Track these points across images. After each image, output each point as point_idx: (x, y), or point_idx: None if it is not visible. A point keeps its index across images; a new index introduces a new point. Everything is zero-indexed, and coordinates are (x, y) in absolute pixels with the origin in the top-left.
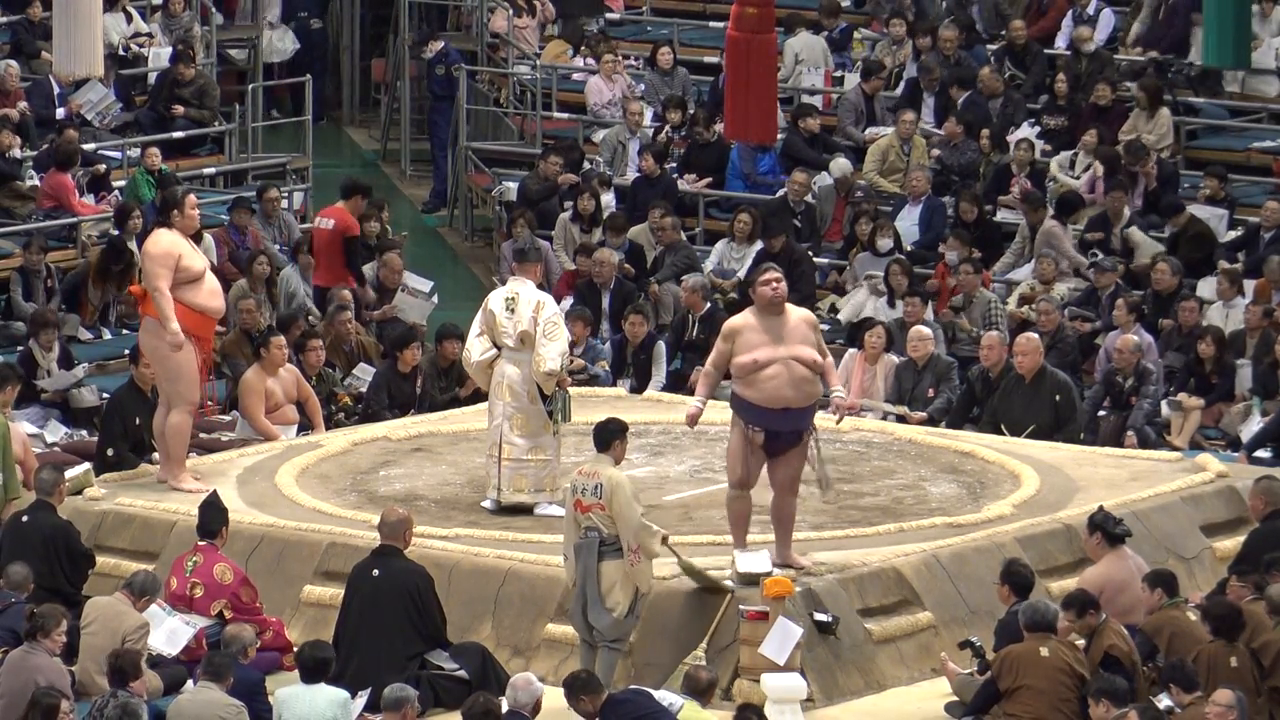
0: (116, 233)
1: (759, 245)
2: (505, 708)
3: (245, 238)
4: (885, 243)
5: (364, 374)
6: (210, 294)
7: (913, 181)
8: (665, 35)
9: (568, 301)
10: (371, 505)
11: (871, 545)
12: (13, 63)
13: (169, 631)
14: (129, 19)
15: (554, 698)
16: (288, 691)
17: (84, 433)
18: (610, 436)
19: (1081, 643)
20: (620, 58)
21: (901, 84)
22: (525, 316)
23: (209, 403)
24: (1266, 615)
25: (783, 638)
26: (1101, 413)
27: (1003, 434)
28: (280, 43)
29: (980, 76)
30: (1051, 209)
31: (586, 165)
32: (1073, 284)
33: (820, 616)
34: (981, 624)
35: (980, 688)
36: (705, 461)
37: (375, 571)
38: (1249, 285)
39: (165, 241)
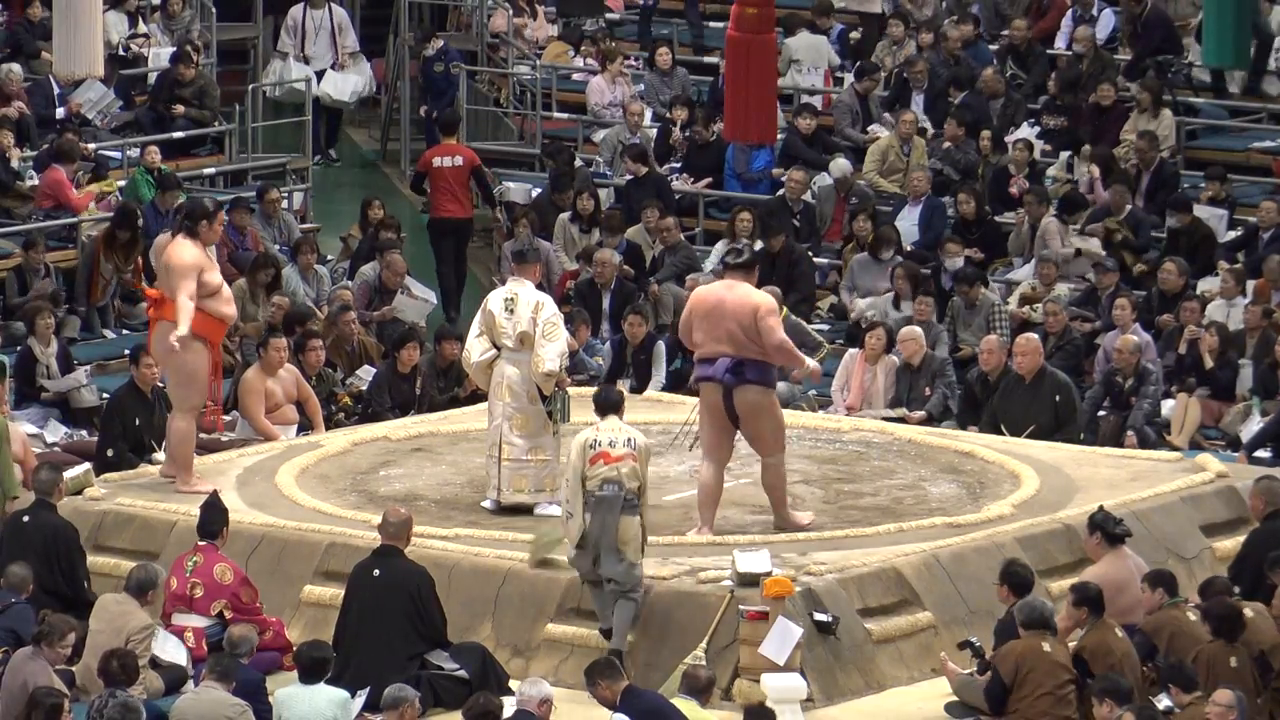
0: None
1: (759, 245)
2: (513, 708)
3: (245, 238)
4: (887, 252)
5: (366, 375)
6: (226, 300)
7: (913, 181)
8: (665, 35)
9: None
10: (371, 505)
11: (871, 545)
12: (15, 67)
13: (174, 645)
14: (133, 20)
15: (555, 698)
16: (288, 692)
17: (84, 433)
18: (619, 399)
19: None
20: (629, 58)
21: (895, 83)
22: (524, 317)
23: (210, 404)
24: (1267, 617)
25: (783, 638)
26: (1101, 413)
27: (1003, 434)
28: (357, 74)
29: (982, 77)
30: (1054, 208)
31: (579, 163)
32: (1072, 284)
33: (820, 616)
34: (981, 624)
35: (987, 687)
36: None
37: (376, 572)
38: (1249, 285)
39: (190, 255)
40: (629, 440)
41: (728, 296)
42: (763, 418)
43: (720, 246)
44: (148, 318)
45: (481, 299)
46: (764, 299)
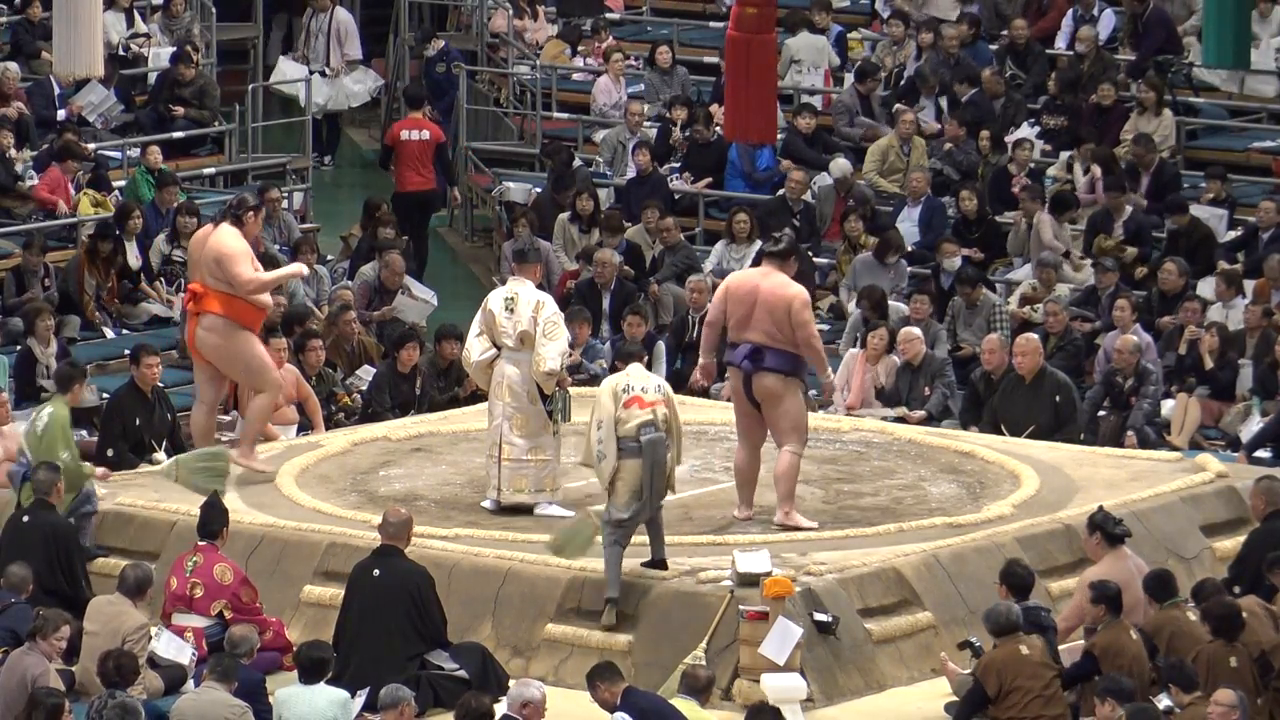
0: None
1: (758, 245)
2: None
3: None
4: (893, 257)
5: (366, 375)
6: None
7: (912, 182)
8: (665, 35)
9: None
10: (371, 505)
11: (871, 545)
12: (13, 67)
13: (178, 646)
14: (130, 20)
15: (552, 699)
16: (288, 692)
17: (84, 433)
18: (638, 349)
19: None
20: (627, 58)
21: (901, 83)
22: (525, 316)
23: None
24: (1265, 618)
25: (783, 638)
26: (1101, 413)
27: (1003, 434)
28: (358, 85)
29: (982, 78)
30: (1047, 207)
31: (578, 162)
32: (1072, 284)
33: (820, 616)
34: (981, 624)
35: (965, 697)
36: (705, 461)
37: (376, 572)
38: (1249, 285)
39: (238, 242)
40: (658, 386)
41: (762, 284)
42: (780, 406)
43: (719, 247)
44: (186, 311)
45: (481, 299)
46: (799, 291)
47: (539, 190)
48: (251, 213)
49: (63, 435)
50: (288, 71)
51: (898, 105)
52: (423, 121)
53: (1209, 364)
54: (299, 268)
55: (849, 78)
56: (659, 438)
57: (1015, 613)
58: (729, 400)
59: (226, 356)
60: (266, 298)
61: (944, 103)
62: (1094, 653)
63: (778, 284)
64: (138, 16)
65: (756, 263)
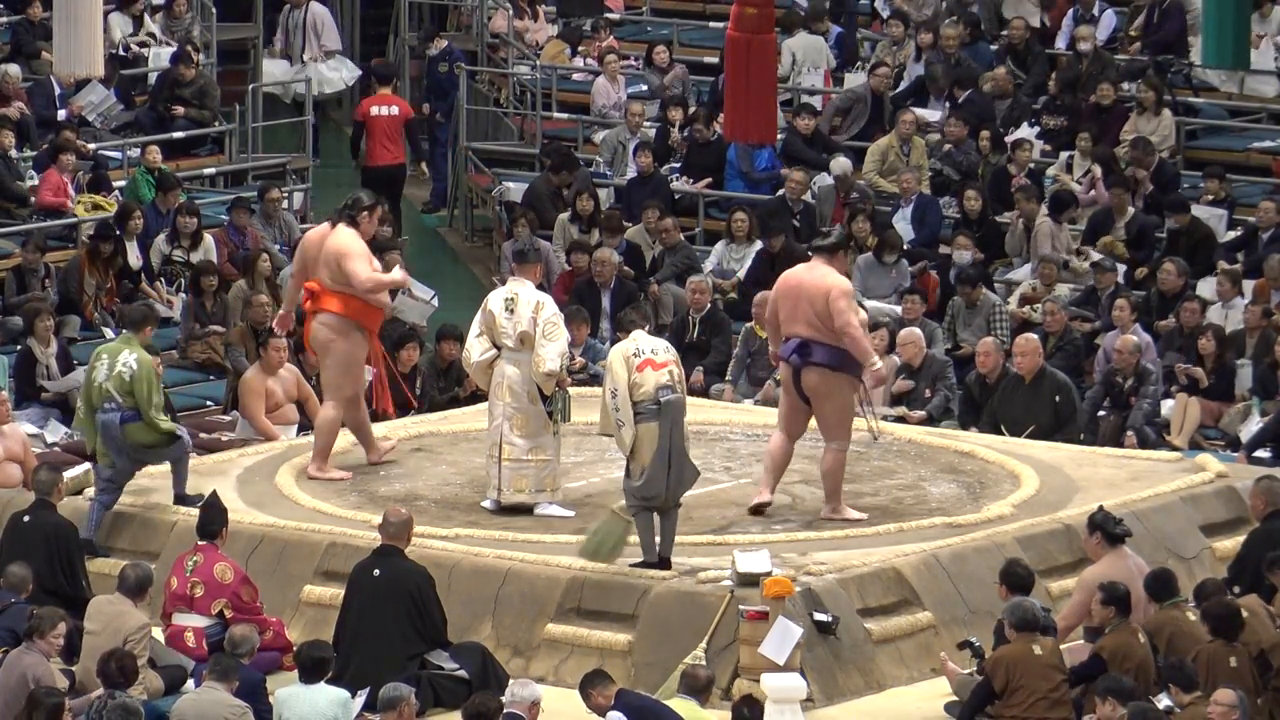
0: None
1: (758, 245)
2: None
3: (245, 238)
4: (891, 256)
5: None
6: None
7: (904, 182)
8: (665, 35)
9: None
10: (371, 505)
11: (871, 545)
12: (14, 68)
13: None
14: (139, 24)
15: (552, 699)
16: (288, 691)
17: (78, 433)
18: (637, 315)
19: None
20: (626, 58)
21: (905, 83)
22: (525, 317)
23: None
24: (1266, 617)
25: (783, 638)
26: (1101, 413)
27: (1003, 434)
28: (333, 72)
29: (994, 76)
30: (1046, 207)
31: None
32: (1072, 284)
33: (820, 616)
34: (981, 624)
35: (973, 691)
36: (705, 462)
37: (376, 571)
38: (1248, 285)
39: (358, 242)
40: (666, 347)
41: (806, 278)
42: (827, 401)
43: (719, 247)
44: (303, 309)
45: (481, 299)
46: (839, 281)
47: (529, 185)
48: (366, 213)
49: (158, 385)
50: (274, 72)
51: (902, 112)
52: (391, 98)
53: (1205, 383)
54: (402, 276)
55: (849, 77)
56: (677, 399)
57: (1039, 611)
58: (733, 401)
59: (330, 353)
60: (385, 298)
61: (952, 95)
62: (1103, 655)
63: (820, 276)
64: (146, 18)
65: (763, 261)
